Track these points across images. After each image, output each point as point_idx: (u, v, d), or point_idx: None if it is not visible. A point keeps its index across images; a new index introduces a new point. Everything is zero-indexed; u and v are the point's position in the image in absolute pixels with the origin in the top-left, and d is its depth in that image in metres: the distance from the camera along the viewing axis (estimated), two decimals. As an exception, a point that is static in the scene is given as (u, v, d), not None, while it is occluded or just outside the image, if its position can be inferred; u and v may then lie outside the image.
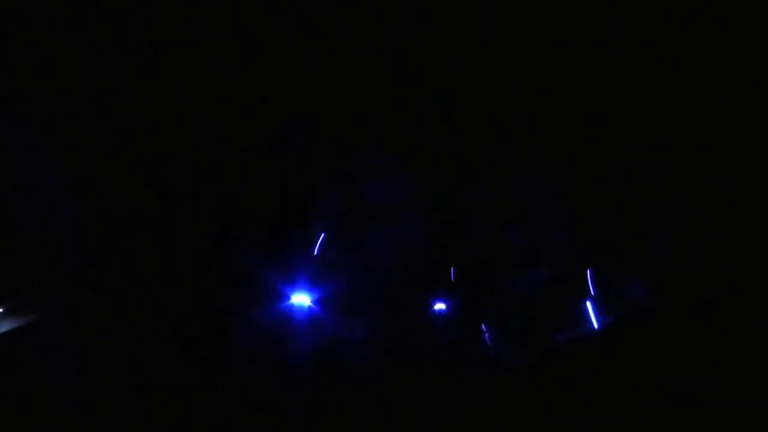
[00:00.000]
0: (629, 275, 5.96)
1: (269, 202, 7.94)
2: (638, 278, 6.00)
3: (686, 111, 8.02)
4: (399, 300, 6.00)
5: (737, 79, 8.15)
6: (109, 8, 8.68)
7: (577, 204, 6.53)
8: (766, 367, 6.50)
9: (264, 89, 8.66)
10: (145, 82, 8.82)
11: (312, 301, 6.42)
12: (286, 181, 8.17)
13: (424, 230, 6.32)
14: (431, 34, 8.40)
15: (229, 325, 7.41)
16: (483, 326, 5.52)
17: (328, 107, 8.43)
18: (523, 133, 7.44)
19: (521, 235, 6.13)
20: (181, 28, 8.83)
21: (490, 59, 8.53)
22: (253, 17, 8.76)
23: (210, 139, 8.77)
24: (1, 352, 7.81)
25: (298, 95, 8.49)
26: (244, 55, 8.75)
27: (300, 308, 6.46)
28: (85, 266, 8.14)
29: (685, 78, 8.12)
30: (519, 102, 8.28)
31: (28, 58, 8.64)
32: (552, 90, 8.44)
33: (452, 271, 6.16)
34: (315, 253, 6.57)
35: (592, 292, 5.88)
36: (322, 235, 6.67)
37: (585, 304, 5.83)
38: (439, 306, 5.91)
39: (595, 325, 5.82)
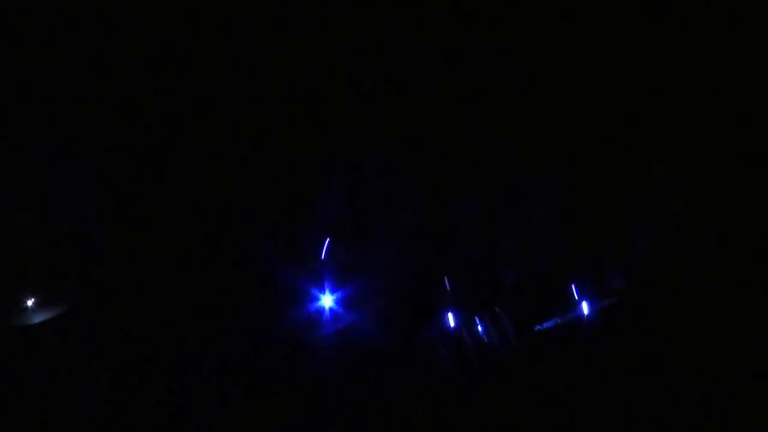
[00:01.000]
0: (612, 269, 6.28)
1: (278, 205, 7.87)
2: (619, 272, 6.29)
3: (670, 113, 8.15)
4: (406, 296, 6.30)
5: (718, 79, 8.28)
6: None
7: (566, 204, 6.72)
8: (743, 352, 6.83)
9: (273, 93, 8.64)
10: (157, 82, 8.75)
11: (333, 302, 6.60)
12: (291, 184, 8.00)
13: (424, 230, 6.53)
14: (431, 39, 8.46)
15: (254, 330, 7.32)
16: (477, 318, 6.01)
17: (330, 112, 8.43)
18: (515, 137, 7.37)
19: (514, 233, 6.39)
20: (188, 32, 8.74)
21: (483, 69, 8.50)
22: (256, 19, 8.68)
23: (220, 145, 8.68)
24: (30, 344, 7.96)
25: (306, 98, 8.49)
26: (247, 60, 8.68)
27: (322, 310, 6.64)
28: (107, 265, 8.23)
29: (666, 79, 8.23)
30: (511, 107, 8.07)
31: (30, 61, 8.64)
32: (540, 94, 8.33)
33: (450, 268, 6.27)
34: (323, 257, 6.67)
35: (579, 286, 6.20)
36: (328, 239, 6.76)
37: (571, 294, 6.20)
38: (440, 301, 6.14)
39: (583, 313, 6.18)
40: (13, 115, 8.89)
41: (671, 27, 8.62)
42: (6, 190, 8.65)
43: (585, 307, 6.27)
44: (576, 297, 6.25)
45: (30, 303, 8.14)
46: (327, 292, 6.69)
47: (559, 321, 6.22)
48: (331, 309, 6.70)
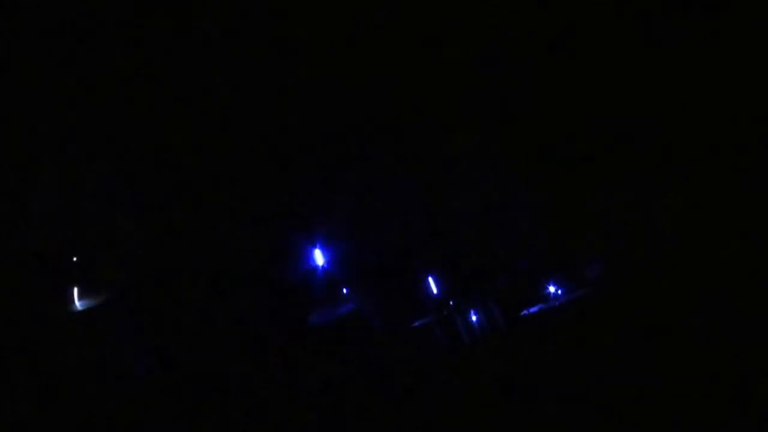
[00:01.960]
0: (583, 266, 6.99)
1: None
2: (589, 268, 6.99)
3: (642, 123, 8.41)
4: (412, 288, 7.03)
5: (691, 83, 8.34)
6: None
7: (547, 211, 7.27)
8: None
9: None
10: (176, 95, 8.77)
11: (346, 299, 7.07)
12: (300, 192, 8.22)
13: (426, 233, 7.06)
14: (432, 48, 8.52)
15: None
16: (471, 308, 6.86)
17: (336, 123, 8.52)
18: (505, 152, 7.68)
19: (503, 235, 7.00)
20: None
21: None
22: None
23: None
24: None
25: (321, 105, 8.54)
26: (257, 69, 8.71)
27: (338, 306, 7.11)
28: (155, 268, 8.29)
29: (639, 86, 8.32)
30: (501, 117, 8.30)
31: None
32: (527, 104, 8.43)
33: (450, 265, 7.02)
34: (328, 263, 7.10)
35: (557, 279, 7.03)
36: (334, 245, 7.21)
37: (550, 287, 7.04)
38: (436, 295, 6.88)
39: (560, 301, 7.02)
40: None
41: (651, 35, 8.54)
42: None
43: (561, 296, 7.02)
44: (554, 288, 7.03)
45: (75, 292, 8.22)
46: (341, 286, 7.18)
47: (543, 307, 7.02)
48: (349, 300, 7.23)
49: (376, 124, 8.66)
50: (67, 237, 8.60)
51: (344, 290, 6.94)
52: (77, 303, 8.21)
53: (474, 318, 6.50)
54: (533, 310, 6.66)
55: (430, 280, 6.63)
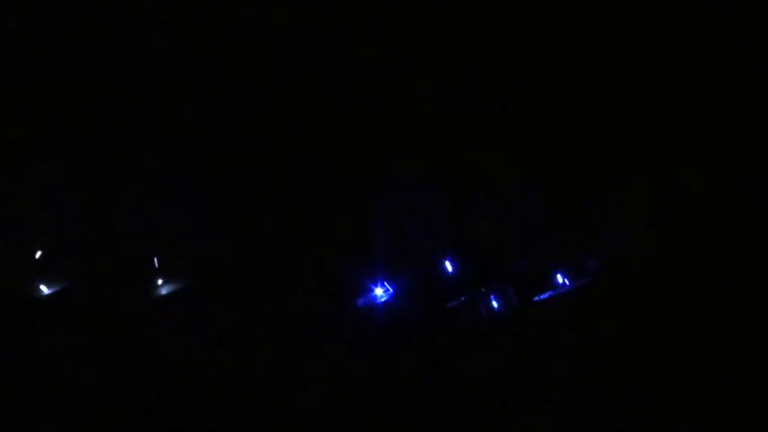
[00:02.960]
0: (586, 258, 7.96)
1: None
2: (591, 260, 7.96)
3: (636, 123, 8.83)
4: (442, 279, 7.86)
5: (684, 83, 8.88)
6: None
7: (555, 211, 8.18)
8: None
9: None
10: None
11: (384, 294, 7.82)
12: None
13: (453, 233, 7.95)
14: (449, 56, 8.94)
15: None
16: (491, 294, 7.78)
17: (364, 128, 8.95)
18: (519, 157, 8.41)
19: (517, 232, 8.00)
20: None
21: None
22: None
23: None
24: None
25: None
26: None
27: (376, 300, 7.85)
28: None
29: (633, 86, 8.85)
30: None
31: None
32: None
33: (473, 259, 7.86)
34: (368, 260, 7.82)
35: (564, 270, 7.96)
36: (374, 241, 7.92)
37: (558, 277, 7.97)
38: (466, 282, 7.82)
39: (567, 288, 7.96)
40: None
41: (644, 35, 8.94)
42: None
43: (567, 285, 7.96)
44: (562, 278, 7.96)
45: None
46: (380, 280, 7.96)
47: (552, 293, 7.94)
48: (386, 290, 7.99)
49: (403, 126, 8.79)
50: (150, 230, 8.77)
51: (385, 281, 7.80)
52: (158, 291, 8.52)
53: (495, 303, 7.56)
54: (544, 296, 7.70)
55: (448, 266, 7.73)
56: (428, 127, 8.76)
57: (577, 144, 8.61)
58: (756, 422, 7.35)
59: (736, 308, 7.95)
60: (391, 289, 7.76)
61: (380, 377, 7.66)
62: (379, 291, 7.82)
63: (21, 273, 8.72)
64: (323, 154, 8.71)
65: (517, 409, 7.40)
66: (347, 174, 8.49)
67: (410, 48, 9.03)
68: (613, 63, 8.91)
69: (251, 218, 8.56)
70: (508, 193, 8.00)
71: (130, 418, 7.92)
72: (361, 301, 7.88)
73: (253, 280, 8.32)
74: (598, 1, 8.99)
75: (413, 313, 7.70)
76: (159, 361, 8.20)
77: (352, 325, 7.85)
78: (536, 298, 7.86)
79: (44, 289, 8.57)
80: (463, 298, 7.77)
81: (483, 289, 7.74)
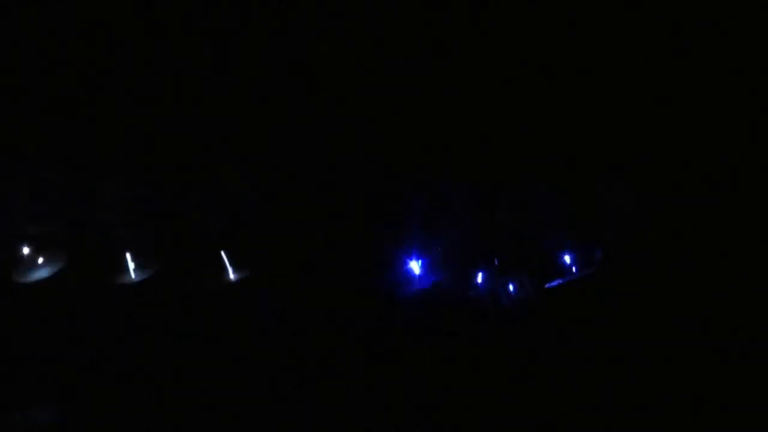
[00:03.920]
0: (592, 250, 8.63)
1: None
2: (597, 251, 8.61)
3: (637, 121, 9.08)
4: (467, 268, 8.53)
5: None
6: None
7: (565, 207, 8.79)
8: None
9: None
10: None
11: (419, 269, 8.45)
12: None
13: (478, 227, 8.62)
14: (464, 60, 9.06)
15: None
16: (509, 281, 8.48)
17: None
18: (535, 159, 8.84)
19: (533, 227, 8.68)
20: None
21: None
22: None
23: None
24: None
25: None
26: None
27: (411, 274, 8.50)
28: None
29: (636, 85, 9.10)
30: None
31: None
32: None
33: (494, 251, 8.56)
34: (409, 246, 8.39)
35: (572, 260, 8.64)
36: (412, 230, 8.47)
37: (568, 263, 8.63)
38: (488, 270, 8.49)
39: (574, 277, 8.61)
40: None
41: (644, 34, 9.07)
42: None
43: (575, 273, 8.61)
44: (570, 267, 8.62)
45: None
46: (416, 261, 8.59)
47: (560, 281, 8.56)
48: (418, 273, 8.61)
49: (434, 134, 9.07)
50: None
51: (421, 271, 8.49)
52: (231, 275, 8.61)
53: (512, 288, 8.42)
54: (555, 283, 8.43)
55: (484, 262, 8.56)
56: (457, 129, 9.02)
57: (584, 147, 8.94)
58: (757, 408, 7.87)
59: (733, 297, 8.45)
60: (422, 279, 8.51)
61: (415, 343, 8.38)
62: (414, 267, 8.52)
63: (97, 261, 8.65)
64: (367, 152, 9.06)
65: (528, 379, 8.11)
66: (390, 172, 8.93)
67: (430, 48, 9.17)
68: (624, 61, 9.06)
69: (307, 206, 8.95)
70: (525, 194, 8.70)
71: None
72: (401, 275, 8.57)
73: (309, 260, 8.78)
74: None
75: (443, 297, 8.48)
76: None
77: (392, 295, 8.53)
78: (548, 285, 8.59)
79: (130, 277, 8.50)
80: (484, 285, 8.50)
81: (501, 278, 8.51)
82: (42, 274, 8.15)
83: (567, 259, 8.70)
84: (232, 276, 8.65)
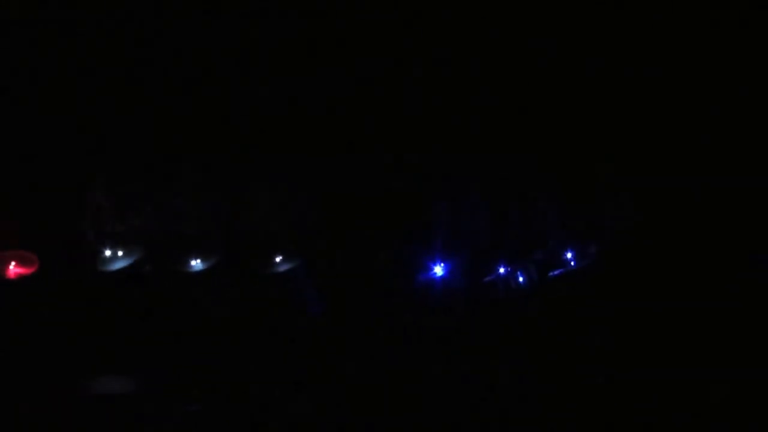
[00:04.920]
0: (589, 244, 9.55)
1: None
2: (591, 245, 9.52)
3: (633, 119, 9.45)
4: (480, 260, 9.43)
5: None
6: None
7: (565, 207, 9.66)
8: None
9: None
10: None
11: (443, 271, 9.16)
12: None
13: (488, 225, 9.48)
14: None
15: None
16: (518, 271, 9.40)
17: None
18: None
19: (539, 223, 9.62)
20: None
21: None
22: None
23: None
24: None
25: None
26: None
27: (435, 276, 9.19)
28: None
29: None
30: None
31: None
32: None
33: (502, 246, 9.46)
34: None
35: (573, 251, 9.54)
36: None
37: (567, 257, 9.51)
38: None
39: (575, 266, 9.51)
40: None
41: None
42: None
43: (573, 264, 9.56)
44: (569, 260, 9.57)
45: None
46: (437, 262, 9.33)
47: (562, 271, 9.54)
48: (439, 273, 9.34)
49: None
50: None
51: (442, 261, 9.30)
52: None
53: (521, 278, 9.42)
54: (557, 272, 9.45)
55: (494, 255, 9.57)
56: (474, 134, 9.55)
57: (580, 149, 9.60)
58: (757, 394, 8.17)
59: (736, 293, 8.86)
60: (445, 268, 9.39)
61: (440, 328, 9.20)
62: (437, 269, 9.36)
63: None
64: (385, 158, 9.46)
65: (536, 355, 9.03)
66: (414, 177, 9.53)
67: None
68: (620, 61, 9.25)
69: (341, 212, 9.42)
70: (531, 196, 9.77)
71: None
72: (424, 275, 9.43)
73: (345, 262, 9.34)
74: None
75: (462, 284, 9.50)
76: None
77: (419, 291, 9.38)
78: (551, 274, 9.66)
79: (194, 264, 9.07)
80: (498, 275, 9.56)
81: (512, 268, 9.58)
82: (121, 264, 9.09)
83: (567, 253, 9.77)
84: (275, 273, 9.19)
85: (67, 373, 8.01)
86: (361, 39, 8.96)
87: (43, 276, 8.57)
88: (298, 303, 9.03)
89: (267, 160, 9.22)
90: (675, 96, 9.17)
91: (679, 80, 9.09)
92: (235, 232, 9.36)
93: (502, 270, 9.68)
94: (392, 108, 9.31)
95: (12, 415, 7.49)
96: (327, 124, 9.24)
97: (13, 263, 8.47)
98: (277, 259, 9.18)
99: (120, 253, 9.05)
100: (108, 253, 8.99)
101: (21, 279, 8.36)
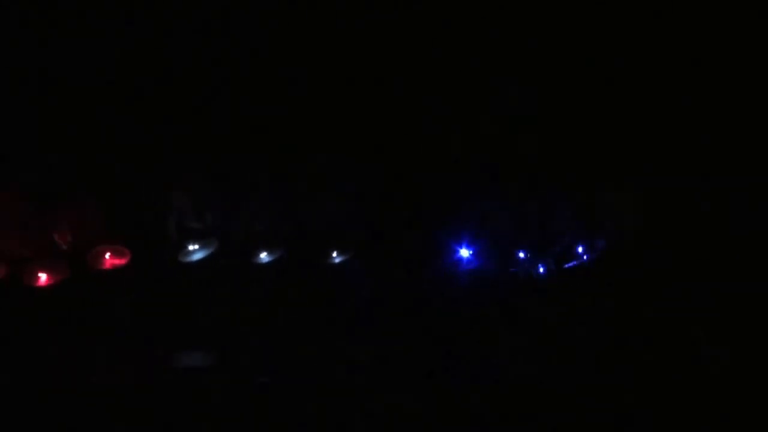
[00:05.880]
0: (598, 239, 10.55)
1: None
2: (600, 241, 10.54)
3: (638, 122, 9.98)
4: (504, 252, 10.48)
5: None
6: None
7: (578, 206, 10.59)
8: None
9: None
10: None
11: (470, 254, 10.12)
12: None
13: (513, 223, 10.56)
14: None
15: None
16: (538, 263, 10.43)
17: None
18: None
19: (554, 222, 10.66)
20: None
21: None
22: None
23: None
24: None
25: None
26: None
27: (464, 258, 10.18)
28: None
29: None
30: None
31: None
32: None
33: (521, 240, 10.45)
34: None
35: (583, 247, 10.60)
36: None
37: (579, 251, 10.59)
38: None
39: (583, 260, 10.59)
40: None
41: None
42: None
43: (586, 258, 10.61)
44: (582, 252, 10.64)
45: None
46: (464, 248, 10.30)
47: (575, 263, 10.61)
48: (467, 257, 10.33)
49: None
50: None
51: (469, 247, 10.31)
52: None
53: (541, 269, 10.53)
54: (570, 264, 10.50)
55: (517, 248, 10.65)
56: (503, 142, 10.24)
57: (590, 153, 10.28)
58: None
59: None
60: (472, 254, 10.40)
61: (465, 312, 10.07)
62: (464, 252, 10.31)
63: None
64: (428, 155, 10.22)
65: (554, 337, 9.74)
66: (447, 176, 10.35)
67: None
68: (624, 61, 9.61)
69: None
70: (551, 198, 10.82)
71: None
72: (452, 260, 10.34)
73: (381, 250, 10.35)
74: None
75: (488, 273, 10.49)
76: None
77: (446, 275, 10.33)
78: (565, 266, 10.70)
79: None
80: (521, 265, 10.59)
81: (533, 260, 10.64)
82: (200, 256, 10.43)
83: (579, 248, 10.87)
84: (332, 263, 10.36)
85: (155, 348, 8.86)
86: (406, 48, 9.62)
87: (134, 266, 10.14)
88: (350, 288, 10.33)
89: (323, 165, 10.57)
90: (685, 102, 9.74)
91: (692, 84, 9.59)
92: (296, 229, 10.74)
93: (524, 261, 10.86)
94: (431, 118, 10.19)
95: (112, 395, 8.14)
96: (368, 130, 10.22)
97: (108, 255, 10.04)
98: (333, 252, 10.57)
99: (198, 247, 10.51)
100: (189, 247, 10.46)
101: (115, 269, 9.46)
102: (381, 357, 8.77)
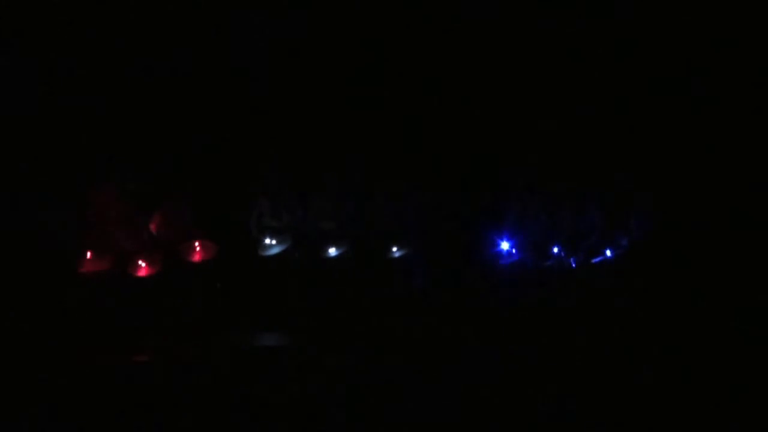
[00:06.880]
0: (621, 237, 11.29)
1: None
2: (625, 238, 11.22)
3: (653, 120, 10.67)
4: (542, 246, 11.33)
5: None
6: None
7: (603, 209, 11.20)
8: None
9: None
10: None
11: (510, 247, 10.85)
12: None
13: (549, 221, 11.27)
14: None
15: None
16: (570, 258, 11.15)
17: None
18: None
19: (583, 223, 11.32)
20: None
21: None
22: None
23: None
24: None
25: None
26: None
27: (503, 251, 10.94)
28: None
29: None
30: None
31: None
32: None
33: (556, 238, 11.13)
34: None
35: (608, 245, 11.18)
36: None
37: (605, 248, 11.13)
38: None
39: (609, 255, 11.15)
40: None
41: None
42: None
43: (610, 254, 11.24)
44: (606, 250, 11.30)
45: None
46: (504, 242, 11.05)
47: (601, 258, 11.20)
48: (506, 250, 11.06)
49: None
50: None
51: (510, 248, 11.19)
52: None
53: (573, 263, 11.56)
54: (597, 259, 11.25)
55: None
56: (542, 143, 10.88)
57: (615, 157, 10.97)
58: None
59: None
60: (513, 248, 11.35)
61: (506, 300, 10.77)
62: (504, 244, 11.25)
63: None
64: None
65: (581, 325, 10.46)
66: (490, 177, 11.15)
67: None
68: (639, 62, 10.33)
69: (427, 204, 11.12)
70: (581, 199, 11.65)
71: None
72: (493, 252, 11.26)
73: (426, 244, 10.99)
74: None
75: (525, 265, 11.42)
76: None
77: (489, 267, 11.17)
78: (593, 261, 11.42)
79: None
80: (555, 259, 11.43)
81: (566, 254, 11.47)
82: (276, 250, 11.13)
83: (605, 244, 11.55)
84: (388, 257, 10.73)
85: (234, 327, 9.86)
86: (455, 54, 10.58)
87: (220, 259, 10.81)
88: (409, 280, 10.86)
89: (384, 170, 11.38)
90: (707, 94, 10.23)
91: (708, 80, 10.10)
92: (360, 227, 11.27)
93: (558, 256, 11.49)
94: (478, 125, 11.17)
95: (204, 369, 8.90)
96: (426, 140, 11.11)
97: (197, 248, 10.69)
98: (392, 247, 11.04)
99: (275, 242, 10.95)
100: (267, 242, 10.90)
101: (203, 262, 10.46)
102: (434, 337, 9.83)
